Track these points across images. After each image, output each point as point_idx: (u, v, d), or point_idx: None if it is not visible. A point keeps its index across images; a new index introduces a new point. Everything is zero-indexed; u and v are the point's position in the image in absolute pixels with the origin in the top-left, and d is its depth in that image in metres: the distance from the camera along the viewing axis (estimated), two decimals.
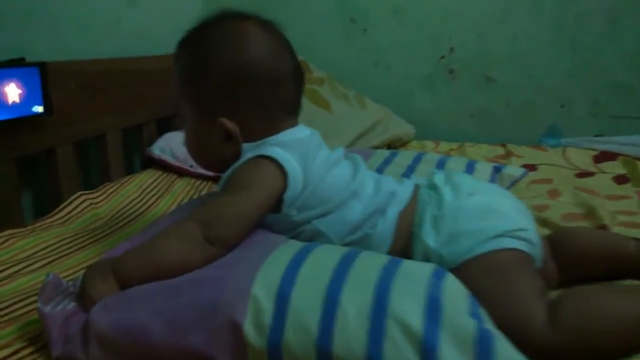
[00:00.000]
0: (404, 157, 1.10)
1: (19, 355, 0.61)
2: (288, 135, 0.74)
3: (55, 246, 0.91)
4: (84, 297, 0.61)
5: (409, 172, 1.02)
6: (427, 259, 0.68)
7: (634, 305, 0.60)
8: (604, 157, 1.51)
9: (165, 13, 1.56)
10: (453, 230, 0.68)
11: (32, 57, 1.04)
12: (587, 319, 0.58)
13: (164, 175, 1.34)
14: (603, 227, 0.95)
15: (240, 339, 0.53)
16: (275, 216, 0.71)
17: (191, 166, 1.32)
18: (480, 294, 0.57)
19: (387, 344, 0.50)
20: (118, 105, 1.30)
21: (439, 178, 0.77)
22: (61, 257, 0.88)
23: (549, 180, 1.33)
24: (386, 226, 0.71)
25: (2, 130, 0.97)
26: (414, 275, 0.57)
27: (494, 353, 0.49)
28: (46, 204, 1.15)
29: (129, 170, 1.41)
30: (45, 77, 1.02)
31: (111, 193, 1.16)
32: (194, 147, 0.79)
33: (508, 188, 1.05)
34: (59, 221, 1.01)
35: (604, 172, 1.39)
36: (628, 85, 1.71)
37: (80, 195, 1.09)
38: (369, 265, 0.58)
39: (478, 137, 1.77)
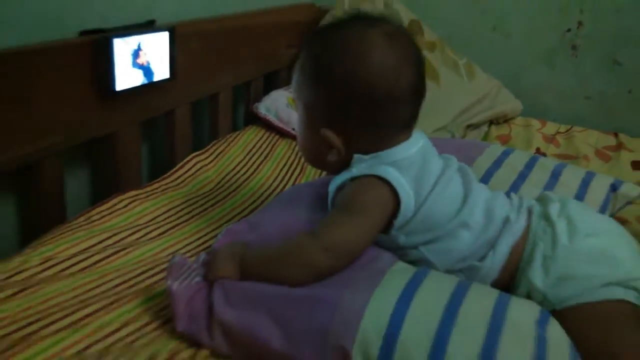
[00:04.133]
0: (517, 158, 1.04)
1: (144, 331, 0.68)
2: (402, 152, 0.72)
3: (169, 213, 0.97)
4: (212, 270, 0.68)
5: (520, 180, 0.98)
6: (529, 295, 0.68)
7: None
8: None
9: None
10: (563, 274, 0.67)
11: (159, 17, 1.07)
12: None
13: (267, 135, 1.38)
14: None
15: None
16: (382, 236, 0.72)
17: (293, 129, 1.35)
18: (580, 342, 0.60)
19: None
20: (232, 62, 1.33)
21: (554, 208, 0.73)
22: (175, 226, 0.94)
23: None
24: (495, 261, 0.70)
25: (131, 95, 1.00)
26: (520, 326, 0.59)
27: None
28: (161, 163, 1.22)
29: (234, 125, 1.46)
30: (174, 41, 1.05)
31: (219, 154, 1.21)
32: (301, 144, 0.80)
33: (621, 208, 1.00)
34: (172, 184, 1.08)
35: None
36: None
37: (193, 157, 1.16)
38: (479, 307, 0.61)
39: (590, 122, 1.67)
